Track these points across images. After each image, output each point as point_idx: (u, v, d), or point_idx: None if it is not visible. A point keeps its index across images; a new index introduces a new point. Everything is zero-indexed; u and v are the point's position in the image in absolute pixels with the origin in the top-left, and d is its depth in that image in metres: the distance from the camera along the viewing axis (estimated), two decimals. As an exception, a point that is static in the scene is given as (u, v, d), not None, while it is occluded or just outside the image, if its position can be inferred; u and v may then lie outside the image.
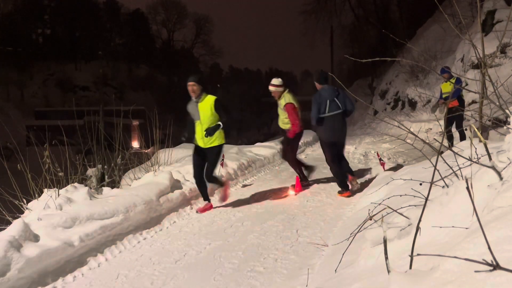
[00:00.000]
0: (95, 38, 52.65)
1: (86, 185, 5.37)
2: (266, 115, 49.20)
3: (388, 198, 3.08)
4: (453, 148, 2.70)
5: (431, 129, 10.82)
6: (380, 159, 6.85)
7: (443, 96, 8.07)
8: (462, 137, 7.85)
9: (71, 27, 52.99)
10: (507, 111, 2.69)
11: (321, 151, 10.55)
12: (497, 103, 2.89)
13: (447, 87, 7.99)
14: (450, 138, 8.13)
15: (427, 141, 2.80)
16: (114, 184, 6.44)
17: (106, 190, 5.59)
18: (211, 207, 5.65)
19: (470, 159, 2.27)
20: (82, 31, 52.69)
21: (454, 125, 7.66)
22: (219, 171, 7.03)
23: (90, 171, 6.38)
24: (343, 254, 2.84)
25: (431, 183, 1.98)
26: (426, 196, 1.98)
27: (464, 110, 7.78)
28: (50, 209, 4.38)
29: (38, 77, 49.07)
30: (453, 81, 7.78)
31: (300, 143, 11.73)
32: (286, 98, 6.11)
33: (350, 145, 11.23)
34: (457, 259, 1.40)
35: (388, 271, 1.78)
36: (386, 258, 1.85)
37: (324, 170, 8.12)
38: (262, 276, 3.47)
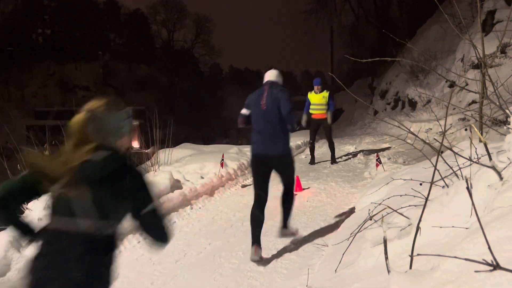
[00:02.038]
0: (95, 38, 52.64)
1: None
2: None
3: (388, 198, 3.08)
4: (453, 148, 2.70)
5: (431, 129, 10.81)
6: (377, 159, 6.84)
7: (311, 106, 8.31)
8: (332, 148, 8.62)
9: (71, 27, 52.94)
10: (507, 111, 2.69)
11: (322, 151, 10.55)
12: (497, 103, 2.89)
13: (315, 98, 8.25)
14: (312, 150, 8.90)
15: (427, 141, 2.80)
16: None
17: (106, 190, 5.59)
18: None
19: (470, 159, 2.27)
20: (82, 31, 52.63)
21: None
22: (218, 171, 7.03)
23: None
24: (343, 254, 2.84)
25: (431, 183, 1.98)
26: (426, 196, 1.98)
27: (331, 125, 8.45)
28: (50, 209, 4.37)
29: (38, 77, 49.06)
30: (326, 94, 8.14)
31: (299, 143, 11.76)
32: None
33: (350, 145, 11.24)
34: (457, 259, 1.40)
35: (388, 271, 1.78)
36: (386, 258, 1.85)
37: (324, 170, 8.12)
38: (262, 276, 3.47)
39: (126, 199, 1.61)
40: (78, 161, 1.57)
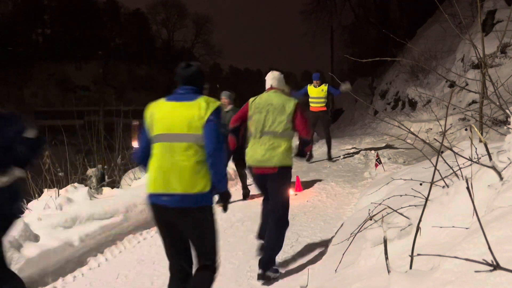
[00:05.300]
0: (95, 38, 52.61)
1: (86, 185, 5.37)
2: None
3: (388, 198, 3.08)
4: (453, 148, 2.70)
5: (431, 129, 10.80)
6: (377, 160, 6.85)
7: (310, 99, 8.49)
8: (329, 142, 8.75)
9: (71, 27, 52.94)
10: (507, 111, 2.68)
11: (322, 151, 10.55)
12: (497, 103, 2.89)
13: (314, 92, 8.43)
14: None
15: (427, 141, 2.80)
16: (114, 184, 6.44)
17: (106, 190, 5.59)
18: None
19: (470, 159, 2.27)
20: (82, 31, 52.62)
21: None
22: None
23: (90, 171, 6.38)
24: (343, 254, 2.84)
25: (431, 183, 1.98)
26: (426, 196, 1.98)
27: (330, 116, 8.81)
28: (50, 209, 4.38)
29: (38, 77, 49.05)
30: (325, 88, 8.33)
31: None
32: None
33: (350, 145, 11.23)
34: (457, 259, 1.40)
35: (388, 271, 1.78)
36: (386, 258, 1.85)
37: (324, 170, 8.11)
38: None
39: None
40: None
